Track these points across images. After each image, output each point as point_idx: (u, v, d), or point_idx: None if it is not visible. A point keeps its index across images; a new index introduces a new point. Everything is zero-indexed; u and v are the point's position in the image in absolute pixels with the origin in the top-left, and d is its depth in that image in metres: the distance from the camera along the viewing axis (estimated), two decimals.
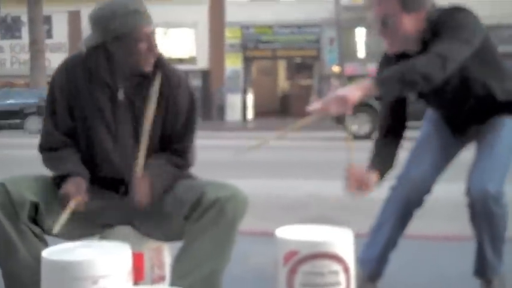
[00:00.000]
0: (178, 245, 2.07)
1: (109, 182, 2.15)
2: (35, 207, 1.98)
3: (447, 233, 3.79)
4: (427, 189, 2.39)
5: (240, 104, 23.76)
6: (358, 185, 2.24)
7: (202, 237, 1.97)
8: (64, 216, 1.92)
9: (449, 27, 2.10)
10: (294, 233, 1.94)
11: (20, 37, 26.34)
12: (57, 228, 1.89)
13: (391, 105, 2.39)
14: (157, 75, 2.13)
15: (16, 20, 25.99)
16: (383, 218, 2.42)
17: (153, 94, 2.11)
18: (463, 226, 3.87)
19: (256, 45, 24.67)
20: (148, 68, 2.09)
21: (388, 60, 2.33)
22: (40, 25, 20.72)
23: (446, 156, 2.48)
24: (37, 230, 2.00)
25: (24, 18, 22.84)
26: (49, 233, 2.02)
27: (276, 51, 24.84)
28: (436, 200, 4.95)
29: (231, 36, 24.64)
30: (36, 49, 20.57)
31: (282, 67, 28.06)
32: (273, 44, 24.62)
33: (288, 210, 4.80)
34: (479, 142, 2.36)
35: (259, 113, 24.58)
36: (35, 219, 2.00)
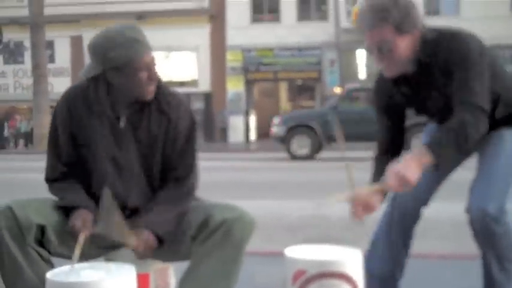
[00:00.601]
0: (183, 265, 2.06)
1: None
2: (42, 229, 1.98)
3: (446, 252, 3.77)
4: (422, 202, 2.37)
5: (242, 126, 23.81)
6: (365, 209, 2.21)
7: (209, 259, 1.96)
8: (77, 252, 1.89)
9: (459, 64, 2.09)
10: (303, 252, 1.92)
11: (22, 62, 26.54)
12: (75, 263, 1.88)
13: (389, 121, 2.38)
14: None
15: (19, 45, 26.22)
16: (380, 231, 2.40)
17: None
18: (461, 245, 3.87)
19: (257, 67, 24.79)
20: (149, 96, 2.09)
21: (384, 83, 2.31)
22: (42, 50, 20.88)
23: (443, 169, 2.44)
24: (44, 252, 2.00)
25: (27, 43, 23.07)
26: (56, 255, 2.02)
27: (278, 73, 24.95)
28: (435, 219, 4.93)
29: (232, 59, 24.79)
30: (38, 74, 20.71)
31: (283, 89, 28.16)
32: (275, 66, 24.75)
33: (293, 230, 4.78)
34: (479, 157, 2.34)
35: (261, 134, 24.60)
36: (41, 242, 1.99)
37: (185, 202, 2.15)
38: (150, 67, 2.04)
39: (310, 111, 15.99)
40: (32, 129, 23.25)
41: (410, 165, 1.99)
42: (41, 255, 1.98)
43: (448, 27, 2.21)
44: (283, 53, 24.47)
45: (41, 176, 2.20)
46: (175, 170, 2.16)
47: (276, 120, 14.12)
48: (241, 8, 24.72)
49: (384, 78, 2.29)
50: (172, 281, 2.22)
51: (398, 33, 2.09)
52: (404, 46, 2.12)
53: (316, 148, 13.30)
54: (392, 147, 2.37)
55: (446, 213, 4.82)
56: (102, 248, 2.13)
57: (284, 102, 28.27)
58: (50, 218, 2.01)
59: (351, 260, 1.86)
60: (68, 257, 2.01)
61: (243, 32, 24.57)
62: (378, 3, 2.08)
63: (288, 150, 13.45)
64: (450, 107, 2.19)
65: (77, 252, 1.90)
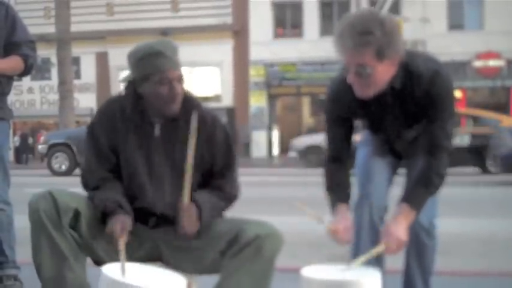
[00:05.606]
0: (211, 281, 2.08)
1: (140, 215, 2.17)
2: (76, 218, 2.04)
3: (476, 269, 3.72)
4: (386, 208, 2.38)
5: (265, 141, 23.83)
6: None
7: (239, 274, 1.98)
8: (122, 257, 1.93)
9: (436, 103, 2.13)
10: (322, 271, 1.92)
11: (49, 78, 26.95)
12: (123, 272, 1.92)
13: (342, 130, 2.34)
14: (192, 114, 2.15)
15: (46, 62, 26.62)
16: (360, 244, 2.37)
17: (193, 133, 2.12)
18: (491, 262, 3.82)
19: (280, 82, 24.84)
20: (171, 111, 2.12)
21: (345, 93, 2.23)
22: (69, 66, 21.15)
23: (393, 171, 2.51)
24: (76, 236, 2.05)
25: (54, 59, 23.39)
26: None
27: (300, 88, 24.97)
28: (464, 236, 4.86)
29: (255, 74, 24.88)
30: (65, 89, 20.97)
31: (306, 104, 28.15)
32: (297, 81, 24.78)
33: (317, 247, 4.77)
34: (408, 171, 2.42)
35: (284, 149, 24.58)
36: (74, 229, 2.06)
37: (226, 202, 2.24)
38: (172, 83, 2.07)
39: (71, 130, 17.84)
40: None
41: (401, 230, 2.06)
42: (74, 239, 2.04)
43: (430, 58, 2.20)
44: (306, 68, 24.50)
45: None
46: (216, 182, 2.23)
47: (42, 138, 16.60)
48: (264, 23, 24.86)
49: (345, 89, 2.21)
50: None
51: (380, 59, 2.01)
52: (383, 71, 2.05)
53: (72, 165, 15.00)
54: (346, 156, 2.35)
55: (475, 229, 4.76)
56: (143, 253, 2.17)
57: (307, 117, 28.25)
58: (86, 209, 2.08)
59: (367, 283, 1.83)
60: (94, 252, 2.09)
61: (266, 47, 24.67)
62: (363, 24, 1.97)
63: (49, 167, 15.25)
64: (405, 129, 2.30)
65: (122, 257, 1.93)
